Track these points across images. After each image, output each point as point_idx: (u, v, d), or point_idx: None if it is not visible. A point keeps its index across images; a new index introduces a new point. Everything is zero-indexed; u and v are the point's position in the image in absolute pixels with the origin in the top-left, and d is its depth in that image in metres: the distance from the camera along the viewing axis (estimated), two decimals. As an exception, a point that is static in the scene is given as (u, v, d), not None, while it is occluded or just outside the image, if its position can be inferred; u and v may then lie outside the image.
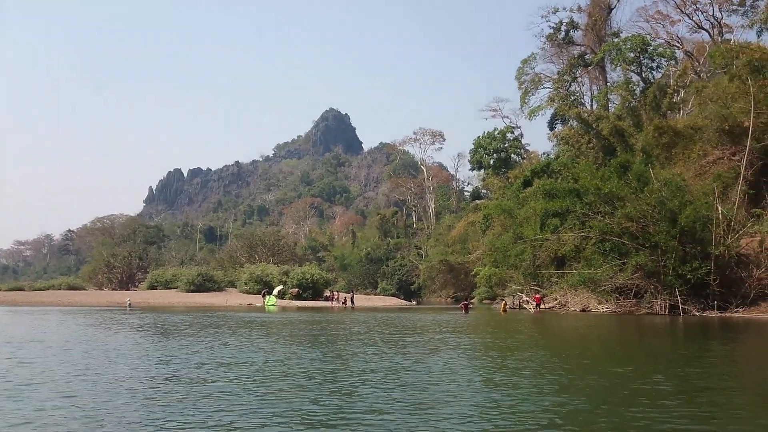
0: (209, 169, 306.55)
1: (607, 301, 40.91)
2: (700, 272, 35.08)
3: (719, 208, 36.89)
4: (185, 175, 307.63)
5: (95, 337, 22.79)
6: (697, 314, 34.98)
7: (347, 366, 14.17)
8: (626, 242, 38.42)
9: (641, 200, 37.28)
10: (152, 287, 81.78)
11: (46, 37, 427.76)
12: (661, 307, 36.71)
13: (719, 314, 34.47)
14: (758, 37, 55.39)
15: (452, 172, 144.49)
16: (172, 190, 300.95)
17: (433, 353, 16.72)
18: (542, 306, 47.70)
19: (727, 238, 36.85)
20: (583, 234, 42.85)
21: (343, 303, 63.67)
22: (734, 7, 68.04)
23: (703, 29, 72.17)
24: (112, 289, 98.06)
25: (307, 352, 17.39)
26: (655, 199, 36.68)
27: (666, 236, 35.76)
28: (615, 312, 39.27)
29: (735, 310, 34.89)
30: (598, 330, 28.51)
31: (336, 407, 9.62)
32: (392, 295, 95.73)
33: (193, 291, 72.24)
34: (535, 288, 53.09)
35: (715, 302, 35.41)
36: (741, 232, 37.58)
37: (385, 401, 9.64)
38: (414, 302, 79.94)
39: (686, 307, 35.47)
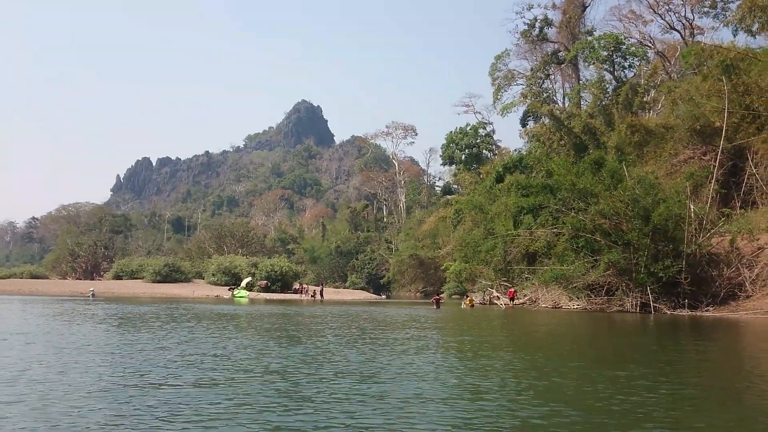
0: (178, 159, 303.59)
1: (578, 298, 40.77)
2: (672, 270, 34.99)
3: (691, 206, 36.87)
4: (154, 163, 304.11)
5: (47, 328, 21.75)
6: (668, 312, 34.88)
7: (319, 368, 13.41)
8: (599, 239, 38.28)
9: (615, 197, 37.12)
10: (117, 277, 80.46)
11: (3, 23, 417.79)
12: (632, 305, 36.59)
13: (690, 313, 34.42)
14: (734, 36, 55.79)
15: (423, 166, 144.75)
16: (140, 179, 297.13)
17: (417, 353, 15.97)
18: (515, 301, 47.45)
19: (699, 236, 36.84)
20: (556, 230, 42.65)
21: (312, 296, 62.98)
22: (706, 9, 68.59)
23: (675, 30, 72.75)
24: (77, 279, 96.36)
25: (279, 350, 16.50)
26: (628, 196, 36.52)
27: (639, 234, 35.61)
28: (586, 309, 39.13)
29: (705, 308, 34.86)
30: (571, 328, 28.27)
31: (305, 416, 8.98)
32: (361, 288, 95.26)
33: (159, 281, 71.15)
34: (506, 284, 52.91)
35: (686, 301, 35.34)
36: (712, 231, 37.63)
37: (361, 415, 8.99)
38: (383, 296, 79.60)
39: (657, 305, 35.34)
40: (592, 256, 38.94)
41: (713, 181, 40.91)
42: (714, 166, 42.01)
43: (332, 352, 15.83)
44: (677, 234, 36.19)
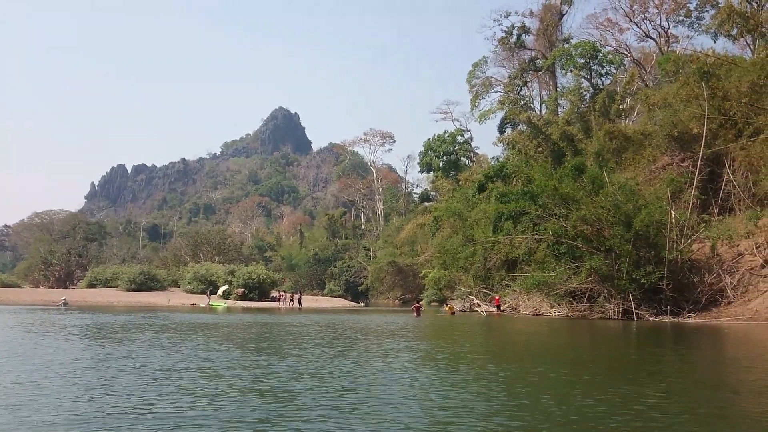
0: (154, 166, 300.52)
1: (559, 305, 40.53)
2: (653, 277, 34.86)
3: (672, 212, 36.84)
4: (129, 171, 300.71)
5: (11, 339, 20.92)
6: (651, 319, 34.72)
7: (299, 382, 12.82)
8: (581, 245, 38.07)
9: (596, 203, 36.95)
10: (91, 285, 79.07)
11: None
12: (614, 312, 36.43)
13: (672, 319, 34.31)
14: (714, 42, 56.39)
15: (401, 173, 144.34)
16: (115, 186, 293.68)
17: (402, 369, 15.33)
18: (500, 309, 47.04)
19: (680, 243, 36.82)
20: (537, 236, 42.40)
21: (290, 302, 62.25)
22: (681, 18, 69.30)
23: (651, 38, 73.31)
24: (49, 287, 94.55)
25: (258, 363, 15.86)
26: (609, 202, 36.38)
27: (621, 240, 35.45)
28: (568, 316, 38.90)
29: (687, 315, 34.76)
30: (556, 335, 27.96)
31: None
32: (340, 296, 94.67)
33: (134, 290, 69.97)
34: (485, 291, 52.62)
35: (668, 307, 35.23)
36: (693, 237, 37.64)
37: None
38: (362, 303, 79.04)
39: (639, 312, 35.17)
40: (574, 263, 38.74)
41: (693, 187, 40.90)
42: (693, 172, 42.08)
43: (323, 366, 15.00)
44: (659, 240, 36.11)
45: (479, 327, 32.85)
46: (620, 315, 36.06)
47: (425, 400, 10.62)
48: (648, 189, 41.72)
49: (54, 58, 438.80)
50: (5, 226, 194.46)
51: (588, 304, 38.67)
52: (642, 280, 35.00)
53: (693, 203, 40.73)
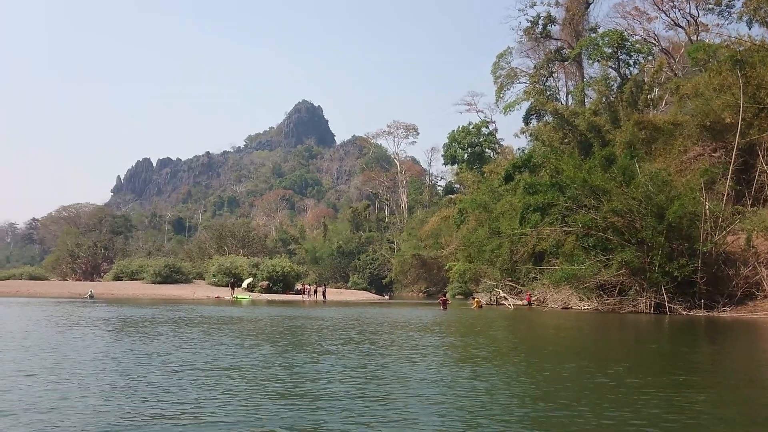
0: (179, 159, 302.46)
1: (589, 298, 39.76)
2: (687, 270, 33.99)
3: (706, 204, 35.88)
4: (154, 164, 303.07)
5: (31, 333, 20.70)
6: (684, 313, 33.88)
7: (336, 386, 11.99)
8: (611, 238, 37.22)
9: (627, 194, 36.08)
10: (117, 278, 79.60)
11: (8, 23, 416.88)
12: (646, 306, 35.60)
13: (706, 313, 33.44)
14: (749, 28, 54.83)
15: (425, 166, 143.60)
16: (141, 179, 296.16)
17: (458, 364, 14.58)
18: (530, 303, 46.32)
19: (714, 235, 35.84)
20: (565, 228, 41.60)
21: (314, 295, 62.02)
22: (711, 6, 67.62)
23: (680, 27, 71.69)
24: (77, 280, 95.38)
25: (294, 361, 15.01)
26: (641, 193, 35.50)
27: (653, 232, 34.61)
28: (598, 310, 38.12)
29: (722, 309, 33.89)
30: (594, 330, 26.96)
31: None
32: (363, 289, 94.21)
33: (159, 282, 70.23)
34: (511, 284, 51.91)
35: (702, 301, 34.36)
36: (728, 229, 36.62)
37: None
38: (386, 296, 78.73)
39: (672, 306, 34.36)
40: (604, 255, 37.89)
41: (729, 177, 39.79)
42: (725, 163, 41.03)
43: (362, 365, 13.72)
44: (692, 232, 35.22)
45: (512, 321, 31.97)
46: (652, 309, 35.23)
47: (507, 400, 10.05)
48: (680, 180, 40.74)
49: (80, 55, 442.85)
50: (33, 219, 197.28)
51: (619, 298, 37.85)
52: (675, 273, 34.15)
53: (727, 194, 39.67)
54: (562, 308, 41.79)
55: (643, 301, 35.91)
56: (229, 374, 12.08)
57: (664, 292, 34.66)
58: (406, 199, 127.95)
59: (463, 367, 13.68)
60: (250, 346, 17.30)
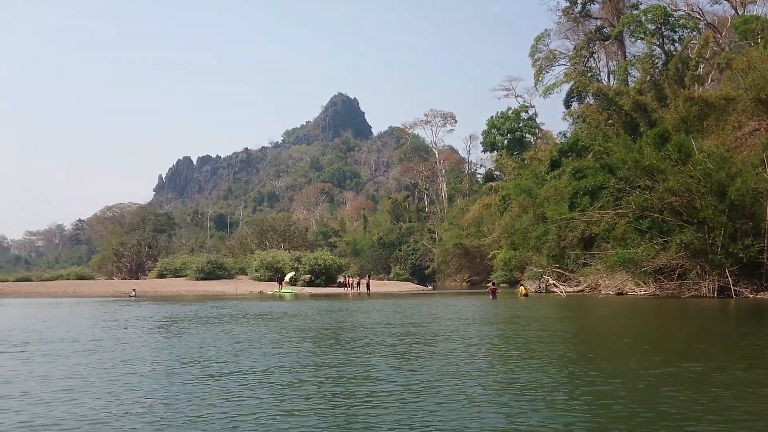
0: (218, 157, 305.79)
1: (645, 283, 37.94)
2: (752, 250, 31.99)
3: (771, 179, 33.82)
4: (195, 162, 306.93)
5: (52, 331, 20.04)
6: (751, 296, 31.95)
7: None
8: (668, 219, 35.40)
9: (684, 173, 34.23)
10: (161, 276, 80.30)
11: (52, 24, 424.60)
12: (708, 289, 33.70)
13: (775, 296, 31.52)
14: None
15: (463, 154, 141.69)
16: (182, 178, 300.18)
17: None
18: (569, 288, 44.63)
19: (781, 212, 33.81)
20: (619, 211, 39.81)
21: (357, 287, 61.15)
22: (757, -22, 64.95)
23: (725, 0, 68.92)
24: (122, 279, 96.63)
25: (361, 361, 13.87)
26: (700, 171, 33.61)
27: (714, 211, 32.73)
28: (656, 295, 36.30)
29: (792, 290, 31.95)
30: (667, 318, 24.73)
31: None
32: (406, 279, 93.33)
33: (202, 279, 70.36)
34: (558, 271, 50.21)
35: (770, 283, 32.45)
36: (796, 206, 34.53)
37: None
38: (429, 287, 77.66)
39: (738, 289, 32.48)
40: (661, 237, 36.09)
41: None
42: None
43: (437, 368, 11.72)
44: (756, 210, 33.18)
45: (575, 310, 29.98)
46: (715, 293, 33.36)
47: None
48: (737, 156, 38.66)
49: (128, 54, 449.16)
50: (80, 220, 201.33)
51: (678, 282, 35.93)
52: (740, 254, 32.23)
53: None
54: (617, 294, 40.04)
55: (706, 284, 34.00)
56: (286, 379, 11.09)
57: (728, 274, 32.76)
58: (445, 188, 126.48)
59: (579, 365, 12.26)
60: (306, 345, 16.31)
